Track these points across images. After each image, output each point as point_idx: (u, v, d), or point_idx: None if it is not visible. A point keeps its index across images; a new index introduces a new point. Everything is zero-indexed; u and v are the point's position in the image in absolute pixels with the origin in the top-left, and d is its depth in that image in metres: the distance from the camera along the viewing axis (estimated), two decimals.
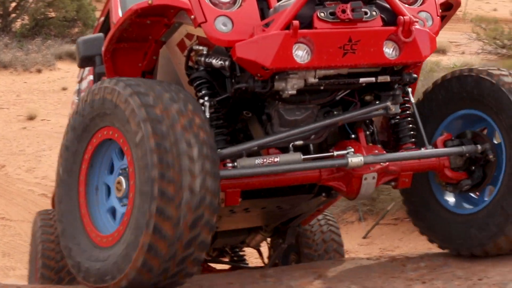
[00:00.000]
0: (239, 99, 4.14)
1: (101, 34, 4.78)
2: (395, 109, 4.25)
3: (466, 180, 4.47)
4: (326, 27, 3.83)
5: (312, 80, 3.95)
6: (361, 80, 4.06)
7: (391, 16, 3.97)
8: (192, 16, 3.88)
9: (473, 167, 4.47)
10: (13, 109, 18.05)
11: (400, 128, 4.46)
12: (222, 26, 3.86)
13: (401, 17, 3.92)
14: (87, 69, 5.95)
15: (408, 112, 4.45)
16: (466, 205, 4.60)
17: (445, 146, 4.44)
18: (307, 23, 3.82)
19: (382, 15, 3.96)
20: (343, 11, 3.82)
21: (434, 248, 4.83)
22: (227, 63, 4.00)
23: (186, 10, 3.92)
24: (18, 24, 26.26)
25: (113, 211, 3.99)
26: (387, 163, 4.21)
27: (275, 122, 4.19)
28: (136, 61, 4.47)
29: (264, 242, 6.38)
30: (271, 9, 4.00)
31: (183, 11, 3.97)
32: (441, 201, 4.64)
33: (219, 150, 3.84)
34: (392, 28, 3.93)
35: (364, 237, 9.69)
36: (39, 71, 21.25)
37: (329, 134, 4.35)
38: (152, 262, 3.56)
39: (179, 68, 4.34)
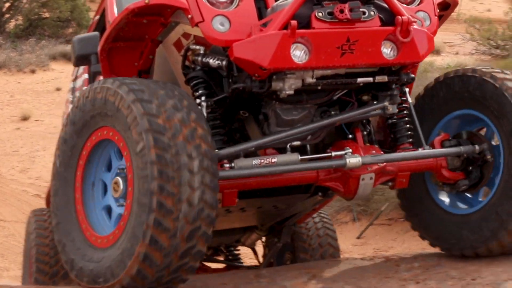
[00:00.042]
0: (236, 99, 4.13)
1: (96, 33, 4.76)
2: (392, 109, 4.24)
3: (463, 180, 4.46)
4: (324, 27, 3.82)
5: (309, 80, 3.94)
6: (359, 80, 4.05)
7: (389, 16, 3.96)
8: (189, 16, 3.86)
9: (470, 168, 4.46)
10: (7, 110, 18.02)
11: (397, 128, 4.44)
12: (219, 26, 3.84)
13: (399, 17, 3.91)
14: (82, 67, 5.93)
15: (405, 112, 4.44)
16: (461, 205, 4.59)
17: (442, 146, 4.43)
18: (305, 23, 3.81)
19: (380, 15, 3.95)
20: (341, 11, 3.81)
21: (428, 248, 4.84)
22: (224, 62, 3.99)
23: (183, 9, 3.91)
24: (12, 24, 26.20)
25: (108, 209, 3.98)
26: (385, 163, 4.20)
27: (272, 122, 4.18)
28: (132, 60, 4.45)
29: (259, 241, 6.37)
30: (269, 9, 3.99)
31: (180, 11, 3.96)
32: (436, 199, 4.63)
33: (216, 150, 3.82)
34: (390, 28, 3.92)
35: (358, 238, 9.69)
36: (33, 71, 21.22)
37: (326, 134, 4.34)
38: (147, 271, 3.58)
39: (176, 68, 4.33)
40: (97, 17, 5.70)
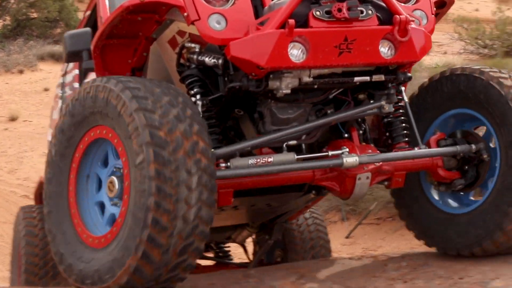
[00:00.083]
0: (231, 98, 4.10)
1: (88, 29, 4.68)
2: (388, 108, 4.22)
3: (459, 179, 4.45)
4: (321, 26, 3.79)
5: (306, 79, 3.92)
6: (356, 79, 4.03)
7: (387, 15, 3.94)
8: (185, 14, 3.83)
9: (466, 167, 4.45)
10: None
11: (393, 127, 4.43)
12: (215, 24, 3.81)
13: (397, 16, 3.89)
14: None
15: (401, 111, 4.43)
16: (455, 205, 4.58)
17: (438, 145, 4.41)
18: (303, 22, 3.78)
19: (377, 14, 3.92)
20: (339, 10, 3.79)
21: (416, 248, 4.85)
22: (220, 61, 3.96)
23: (178, 7, 3.87)
24: None
25: (101, 205, 3.95)
26: (381, 162, 4.19)
27: (267, 121, 4.15)
28: (126, 57, 4.41)
29: (249, 237, 6.36)
30: (266, 7, 3.96)
31: (176, 8, 3.92)
32: (431, 199, 4.61)
33: (212, 150, 3.78)
34: (388, 27, 3.90)
35: (347, 237, 9.70)
36: (21, 72, 21.13)
37: (321, 133, 4.32)
38: (136, 282, 3.58)
39: (170, 66, 4.29)
40: (88, 12, 5.63)
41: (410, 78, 4.22)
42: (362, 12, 3.84)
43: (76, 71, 5.87)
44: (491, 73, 4.32)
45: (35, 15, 25.74)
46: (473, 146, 4.40)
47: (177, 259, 3.58)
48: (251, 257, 6.57)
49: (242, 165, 3.95)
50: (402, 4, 4.16)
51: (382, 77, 4.08)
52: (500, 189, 4.24)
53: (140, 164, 3.49)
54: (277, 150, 4.16)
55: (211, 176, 3.58)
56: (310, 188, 4.61)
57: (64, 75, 6.42)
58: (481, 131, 4.54)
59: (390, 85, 4.20)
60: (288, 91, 3.93)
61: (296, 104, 4.16)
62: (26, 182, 13.39)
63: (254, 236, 6.25)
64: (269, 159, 4.01)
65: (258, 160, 4.00)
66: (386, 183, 4.37)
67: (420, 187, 4.65)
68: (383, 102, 4.19)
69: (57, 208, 3.98)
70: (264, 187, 4.33)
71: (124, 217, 3.61)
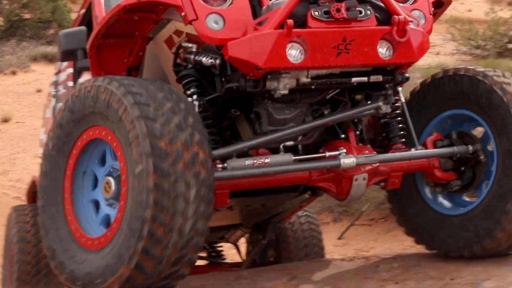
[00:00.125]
0: (228, 98, 4.08)
1: (83, 28, 4.65)
2: (386, 108, 4.21)
3: (456, 180, 4.44)
4: (320, 26, 3.76)
5: (304, 79, 3.90)
6: (353, 79, 4.01)
7: (385, 15, 3.92)
8: (183, 13, 3.80)
9: (463, 168, 4.44)
10: None
11: (390, 128, 4.42)
12: (213, 24, 3.78)
13: (396, 16, 3.87)
14: None
15: (398, 111, 4.41)
16: (451, 206, 4.57)
17: (434, 146, 4.40)
18: (301, 22, 3.76)
19: (376, 14, 3.90)
20: (338, 10, 3.76)
21: (408, 249, 4.85)
22: (217, 61, 3.93)
23: (176, 7, 3.84)
24: None
25: (96, 204, 3.93)
26: (378, 163, 4.18)
27: (263, 121, 4.14)
28: (122, 57, 4.39)
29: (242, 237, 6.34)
30: (264, 7, 3.93)
31: (173, 8, 3.89)
32: (427, 200, 4.60)
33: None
34: (387, 27, 3.87)
35: (339, 238, 9.68)
36: (13, 73, 21.07)
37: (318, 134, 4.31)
38: None
39: (167, 65, 4.27)
40: (83, 11, 5.60)
41: (407, 79, 4.20)
42: (360, 12, 3.82)
43: (70, 70, 5.83)
44: (494, 78, 4.28)
45: (28, 16, 25.65)
46: (470, 147, 4.39)
47: (170, 270, 3.57)
48: (244, 257, 6.56)
49: (239, 166, 3.94)
50: (400, 4, 4.14)
51: (380, 78, 4.07)
52: (494, 196, 4.23)
53: (139, 174, 3.46)
54: (274, 150, 4.14)
55: (209, 189, 3.56)
56: (306, 188, 4.60)
57: (57, 73, 6.38)
58: (476, 132, 4.53)
59: (387, 85, 4.19)
60: (286, 91, 3.91)
61: (293, 105, 4.15)
62: (19, 183, 13.34)
63: (247, 236, 6.24)
64: (266, 160, 3.99)
65: (255, 161, 3.98)
66: (382, 184, 4.37)
67: (416, 187, 4.63)
68: (380, 103, 4.18)
69: (52, 203, 3.96)
70: (260, 187, 4.32)
71: (120, 224, 3.59)
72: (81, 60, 4.53)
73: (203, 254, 6.75)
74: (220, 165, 3.90)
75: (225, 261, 6.87)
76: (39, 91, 19.29)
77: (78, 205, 3.94)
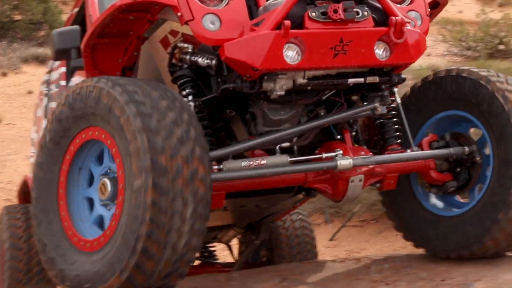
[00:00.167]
0: (223, 98, 4.06)
1: (77, 27, 4.59)
2: (382, 109, 4.20)
3: (452, 182, 4.43)
4: (317, 27, 3.74)
5: (301, 80, 3.89)
6: (350, 80, 3.99)
7: (382, 16, 3.90)
8: (179, 14, 3.77)
9: (458, 169, 4.43)
10: None
11: (385, 128, 4.40)
12: (210, 25, 3.76)
13: (393, 17, 3.85)
14: None
15: (393, 112, 4.39)
16: (446, 207, 4.56)
17: (430, 147, 4.39)
18: (298, 23, 3.73)
19: (373, 15, 3.88)
20: (335, 11, 3.74)
21: (399, 250, 4.85)
22: (214, 62, 3.91)
23: (172, 7, 3.81)
24: None
25: (90, 201, 3.91)
26: (374, 165, 4.16)
27: (259, 122, 4.12)
28: (116, 56, 4.36)
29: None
30: (261, 8, 3.90)
31: (169, 8, 3.86)
32: (422, 201, 4.58)
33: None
34: (384, 28, 3.86)
35: (331, 239, 9.68)
36: (4, 74, 20.98)
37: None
38: None
39: (162, 66, 4.24)
40: (76, 9, 5.54)
41: (404, 80, 4.18)
42: (358, 13, 3.81)
43: (63, 69, 5.79)
44: (497, 84, 4.25)
45: (19, 17, 25.54)
46: (466, 149, 4.37)
47: (160, 282, 3.57)
48: (236, 257, 6.54)
49: (235, 168, 3.91)
50: (397, 5, 4.12)
51: (376, 79, 4.05)
52: (487, 204, 4.22)
53: (137, 189, 3.43)
54: (269, 151, 4.12)
55: (206, 206, 3.54)
56: (300, 189, 4.56)
57: (49, 72, 6.34)
58: (472, 133, 4.53)
59: (383, 86, 4.17)
60: (283, 92, 3.89)
61: (288, 105, 4.13)
62: (9, 185, 13.28)
63: (240, 236, 6.21)
64: (262, 162, 3.97)
65: (251, 162, 3.95)
66: (378, 185, 4.35)
67: (410, 188, 4.62)
68: (377, 104, 4.17)
69: (45, 196, 3.93)
70: (256, 189, 4.30)
71: (114, 232, 3.58)
72: (75, 59, 4.48)
73: (196, 254, 6.70)
74: (216, 167, 3.88)
75: (218, 261, 6.85)
76: (30, 92, 19.22)
77: (72, 201, 3.91)
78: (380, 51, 3.89)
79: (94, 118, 3.75)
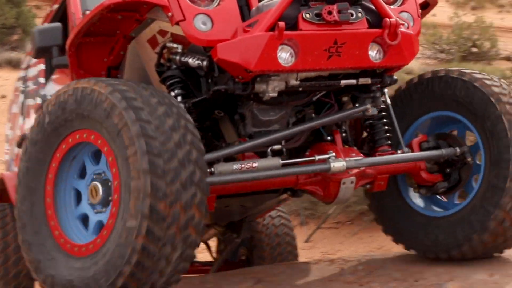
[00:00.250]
0: (214, 100, 4.00)
1: (58, 24, 4.46)
2: (372, 111, 4.16)
3: (442, 182, 4.41)
4: (311, 28, 3.69)
5: (293, 82, 3.85)
6: (342, 82, 3.96)
7: (376, 18, 3.86)
8: (170, 14, 3.70)
9: (448, 170, 4.41)
10: None
11: (375, 129, 4.35)
12: (201, 25, 3.70)
13: (387, 19, 3.82)
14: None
15: (383, 113, 4.35)
16: (435, 208, 4.53)
17: (420, 148, 4.36)
18: (292, 24, 3.68)
19: (366, 17, 3.84)
20: (329, 13, 3.70)
21: (373, 251, 4.86)
22: (205, 63, 3.84)
23: (162, 7, 3.74)
24: None
25: (78, 194, 3.85)
26: (366, 166, 4.12)
27: (248, 122, 4.07)
28: (101, 56, 4.29)
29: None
30: (254, 9, 3.84)
31: (159, 8, 3.79)
32: (409, 202, 4.55)
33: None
34: (378, 30, 3.82)
35: (306, 241, 9.68)
36: None
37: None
38: None
39: (149, 65, 4.16)
40: (56, 6, 5.41)
41: (395, 81, 4.17)
42: (352, 15, 3.77)
43: (42, 66, 5.67)
44: (494, 88, 4.22)
45: None
46: (458, 149, 4.35)
47: None
48: (215, 255, 6.50)
49: (227, 171, 3.85)
50: (391, 7, 4.10)
51: (368, 80, 4.03)
52: (476, 205, 4.22)
53: (129, 229, 3.36)
54: (260, 153, 4.06)
55: (194, 249, 3.52)
56: (286, 189, 4.48)
57: (26, 68, 6.21)
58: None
59: (374, 88, 4.15)
60: (275, 94, 3.85)
61: (277, 106, 4.09)
62: None
63: (219, 234, 6.15)
64: (254, 164, 3.91)
65: (243, 165, 3.89)
66: (368, 186, 4.32)
67: (398, 189, 4.59)
68: (368, 105, 4.13)
69: (32, 193, 3.86)
70: (247, 191, 4.25)
71: (98, 249, 3.53)
72: (57, 57, 4.37)
73: None
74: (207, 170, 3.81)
75: (196, 260, 6.81)
76: (3, 97, 19.04)
77: (59, 192, 3.85)
78: (374, 53, 3.86)
79: (87, 121, 3.66)
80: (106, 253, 3.46)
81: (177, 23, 3.71)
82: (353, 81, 3.99)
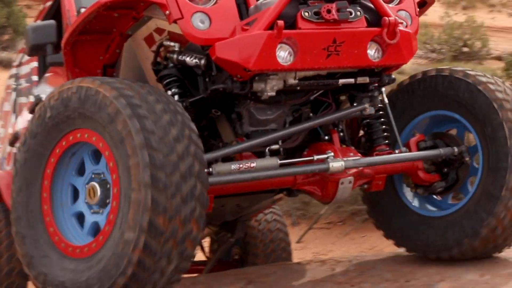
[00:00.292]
0: (211, 99, 3.97)
1: (52, 21, 4.41)
2: (370, 110, 4.15)
3: (440, 182, 4.40)
4: (310, 27, 3.67)
5: (292, 81, 3.83)
6: (340, 81, 3.94)
7: (375, 17, 3.84)
8: (167, 12, 3.66)
9: (446, 169, 4.40)
10: None
11: (373, 129, 4.34)
12: (199, 23, 3.66)
13: (386, 18, 3.80)
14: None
15: (381, 112, 4.34)
16: (431, 208, 4.53)
17: (418, 147, 4.35)
18: (290, 23, 3.66)
19: (365, 15, 3.82)
20: (328, 11, 3.67)
21: (365, 251, 4.87)
22: (202, 61, 3.80)
23: (159, 5, 3.70)
24: None
25: (75, 191, 3.83)
26: (364, 166, 4.11)
27: (245, 121, 4.05)
28: (97, 54, 4.25)
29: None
30: (252, 7, 3.81)
31: (156, 6, 3.76)
32: (406, 202, 4.54)
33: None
34: (377, 29, 3.80)
35: (298, 242, 9.67)
36: None
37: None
38: None
39: (145, 64, 4.14)
40: (49, 3, 5.34)
41: (394, 80, 4.15)
42: (351, 13, 3.75)
43: (35, 64, 5.62)
44: (496, 93, 4.20)
45: None
46: (456, 149, 4.34)
47: None
48: (208, 254, 6.49)
49: (225, 171, 3.82)
50: (389, 5, 4.06)
51: (366, 80, 4.01)
52: (469, 210, 4.21)
53: (126, 241, 3.35)
54: (257, 152, 4.04)
55: (188, 261, 3.50)
56: (282, 188, 4.46)
57: (18, 66, 6.15)
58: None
59: (371, 87, 4.13)
60: (273, 93, 3.83)
61: (275, 105, 4.07)
62: None
63: (213, 234, 6.15)
64: (252, 164, 3.88)
65: (241, 165, 3.87)
66: (365, 186, 4.31)
67: (394, 188, 4.57)
68: (366, 105, 4.12)
69: (30, 184, 3.84)
70: (245, 192, 4.24)
71: (94, 252, 3.51)
72: (51, 55, 4.33)
73: None
74: (205, 170, 3.75)
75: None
76: None
77: (56, 190, 3.82)
78: (373, 52, 3.84)
79: (89, 121, 3.63)
80: (101, 260, 3.44)
81: (175, 21, 3.68)
82: (351, 80, 3.97)
